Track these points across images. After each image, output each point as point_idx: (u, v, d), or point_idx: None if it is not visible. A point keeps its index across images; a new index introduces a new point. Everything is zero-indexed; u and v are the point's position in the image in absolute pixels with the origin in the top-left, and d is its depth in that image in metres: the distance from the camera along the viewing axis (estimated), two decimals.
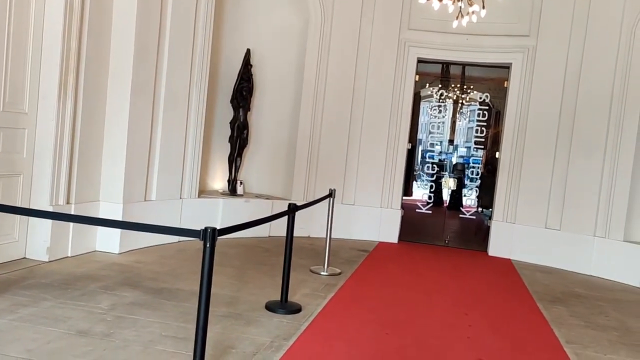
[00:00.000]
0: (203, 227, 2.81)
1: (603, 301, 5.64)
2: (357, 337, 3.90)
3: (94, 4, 5.28)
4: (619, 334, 4.53)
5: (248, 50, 7.47)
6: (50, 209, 4.95)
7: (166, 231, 3.17)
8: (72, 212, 5.15)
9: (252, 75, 7.54)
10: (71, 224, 5.21)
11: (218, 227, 2.90)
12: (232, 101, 7.46)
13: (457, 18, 4.97)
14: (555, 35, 7.26)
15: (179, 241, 6.37)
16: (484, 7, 4.89)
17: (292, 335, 3.75)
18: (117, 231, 5.59)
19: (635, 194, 6.80)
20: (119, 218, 5.49)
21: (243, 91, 7.44)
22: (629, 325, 4.80)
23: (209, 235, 2.78)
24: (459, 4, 4.86)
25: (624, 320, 4.95)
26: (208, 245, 2.79)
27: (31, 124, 5.05)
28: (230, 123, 7.49)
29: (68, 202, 5.26)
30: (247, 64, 7.48)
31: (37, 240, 5.07)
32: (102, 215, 5.53)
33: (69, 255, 5.30)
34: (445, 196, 9.66)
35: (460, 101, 8.96)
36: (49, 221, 4.96)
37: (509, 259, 7.41)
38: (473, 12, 4.88)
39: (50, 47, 5.02)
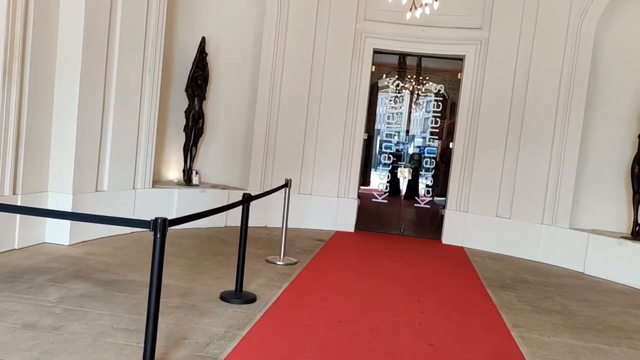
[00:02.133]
0: (154, 218, 2.77)
1: (549, 286, 5.87)
2: (311, 326, 3.93)
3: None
4: (563, 317, 4.73)
5: (203, 38, 7.35)
6: None
7: (114, 222, 3.11)
8: (19, 203, 4.99)
9: (207, 63, 7.43)
10: (18, 215, 5.04)
11: (173, 218, 2.87)
12: (187, 90, 7.34)
13: (410, 10, 5.03)
14: (506, 28, 7.44)
15: (132, 232, 6.26)
16: (436, 0, 4.96)
17: (246, 325, 3.75)
18: (66, 222, 5.44)
19: (580, 183, 7.09)
20: (69, 209, 5.35)
21: (198, 80, 7.33)
22: (571, 309, 5.02)
23: (160, 226, 2.74)
24: None
25: (568, 305, 5.17)
26: (159, 236, 2.75)
27: None
28: (185, 112, 7.38)
29: (14, 193, 5.08)
30: (202, 52, 7.36)
31: None
32: (51, 206, 5.37)
33: (16, 247, 5.13)
34: (402, 186, 9.81)
35: (417, 92, 9.09)
36: None
37: (462, 247, 7.61)
38: (426, 4, 4.95)
39: None
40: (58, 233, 5.50)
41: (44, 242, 5.47)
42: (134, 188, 6.49)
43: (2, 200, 4.84)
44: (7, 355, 2.94)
